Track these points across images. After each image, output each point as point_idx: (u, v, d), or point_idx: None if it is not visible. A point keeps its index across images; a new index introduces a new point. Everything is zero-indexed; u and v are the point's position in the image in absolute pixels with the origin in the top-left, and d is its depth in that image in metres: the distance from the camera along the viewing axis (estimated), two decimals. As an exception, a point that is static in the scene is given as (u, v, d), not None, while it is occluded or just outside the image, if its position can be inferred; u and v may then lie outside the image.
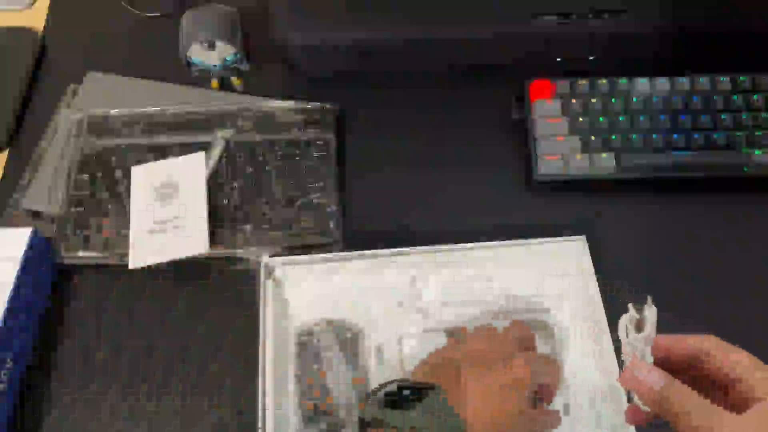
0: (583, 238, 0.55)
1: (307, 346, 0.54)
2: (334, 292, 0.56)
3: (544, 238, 0.55)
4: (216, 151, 0.63)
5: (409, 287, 0.56)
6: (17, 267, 0.53)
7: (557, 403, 0.51)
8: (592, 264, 0.54)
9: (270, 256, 0.55)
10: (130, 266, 0.57)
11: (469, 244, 0.55)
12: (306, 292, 0.56)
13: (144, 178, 0.61)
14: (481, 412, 0.41)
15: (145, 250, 0.57)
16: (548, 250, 0.56)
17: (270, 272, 0.55)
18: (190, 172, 0.61)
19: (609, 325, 0.51)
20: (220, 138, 0.63)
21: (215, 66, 0.67)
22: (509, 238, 0.56)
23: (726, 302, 0.56)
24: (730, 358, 0.36)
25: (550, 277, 0.56)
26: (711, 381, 0.37)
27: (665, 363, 0.38)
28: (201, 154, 0.62)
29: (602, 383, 0.52)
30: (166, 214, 0.59)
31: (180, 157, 0.62)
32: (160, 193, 0.60)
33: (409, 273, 0.56)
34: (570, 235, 0.56)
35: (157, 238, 0.58)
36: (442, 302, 0.56)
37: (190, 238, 0.57)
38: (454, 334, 0.53)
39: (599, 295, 0.53)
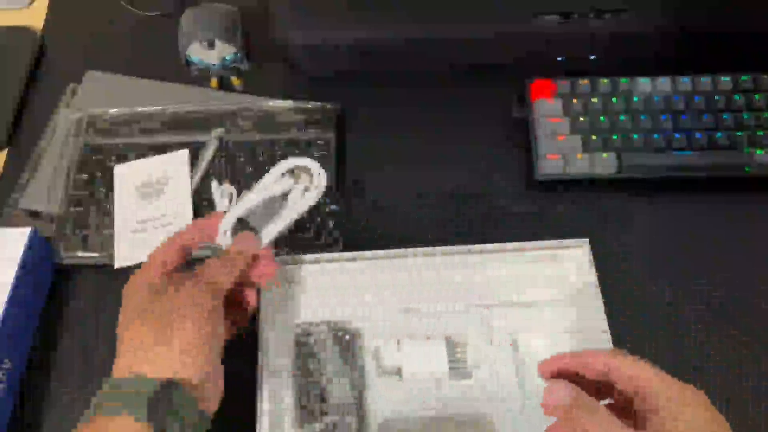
0: (586, 241, 0.55)
1: (305, 347, 0.54)
2: (334, 292, 0.56)
3: (546, 241, 0.55)
4: (209, 151, 0.63)
5: (408, 289, 0.56)
6: (16, 267, 0.53)
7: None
8: (594, 266, 0.54)
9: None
10: (116, 266, 0.57)
11: (470, 246, 0.55)
12: (305, 292, 0.56)
13: (127, 177, 0.61)
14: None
15: (130, 249, 0.57)
16: (551, 251, 0.55)
17: (270, 272, 0.55)
18: (174, 171, 0.61)
19: (610, 328, 0.51)
20: (213, 138, 0.63)
21: (214, 65, 0.67)
22: (510, 239, 0.56)
23: (728, 302, 0.56)
24: (634, 371, 0.37)
25: (552, 279, 0.55)
26: (618, 393, 0.38)
27: (576, 378, 0.39)
28: (185, 152, 0.62)
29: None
30: (151, 212, 0.59)
31: (164, 155, 0.62)
32: (142, 192, 0.60)
33: (408, 274, 0.56)
34: (571, 235, 0.55)
35: (141, 237, 0.58)
36: (441, 304, 0.55)
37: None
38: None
39: (600, 297, 0.53)
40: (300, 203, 0.46)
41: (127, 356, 0.41)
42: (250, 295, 0.49)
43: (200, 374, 0.41)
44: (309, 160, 0.46)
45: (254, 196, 0.47)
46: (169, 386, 0.39)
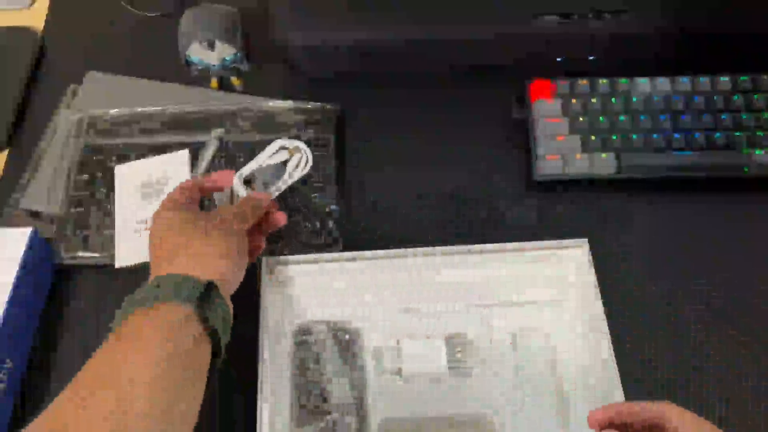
0: (585, 241, 0.55)
1: (305, 346, 0.54)
2: (334, 292, 0.56)
3: (546, 241, 0.55)
4: (209, 151, 0.63)
5: (408, 289, 0.56)
6: (17, 267, 0.53)
7: (554, 410, 0.51)
8: (593, 267, 0.54)
9: (270, 256, 0.55)
10: (117, 266, 0.57)
11: (470, 246, 0.55)
12: (305, 292, 0.56)
13: (128, 177, 0.61)
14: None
15: (131, 249, 0.57)
16: (550, 252, 0.55)
17: (270, 272, 0.55)
18: (174, 171, 0.61)
19: (609, 328, 0.51)
20: (213, 138, 0.63)
21: (214, 65, 0.67)
22: (510, 239, 0.56)
23: (728, 302, 0.56)
24: (684, 423, 0.38)
25: (551, 279, 0.56)
26: None
27: (627, 427, 0.39)
28: (185, 152, 0.62)
29: (600, 388, 0.51)
30: (151, 213, 0.58)
31: (164, 155, 0.62)
32: (142, 192, 0.60)
33: (408, 274, 0.56)
34: (571, 235, 0.56)
35: (143, 237, 0.58)
36: (441, 304, 0.56)
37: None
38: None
39: (600, 297, 0.53)
40: (295, 172, 0.55)
41: (163, 265, 0.45)
42: (260, 240, 0.54)
43: (227, 283, 0.46)
44: (299, 141, 0.56)
45: (256, 164, 0.55)
46: (210, 284, 0.43)
